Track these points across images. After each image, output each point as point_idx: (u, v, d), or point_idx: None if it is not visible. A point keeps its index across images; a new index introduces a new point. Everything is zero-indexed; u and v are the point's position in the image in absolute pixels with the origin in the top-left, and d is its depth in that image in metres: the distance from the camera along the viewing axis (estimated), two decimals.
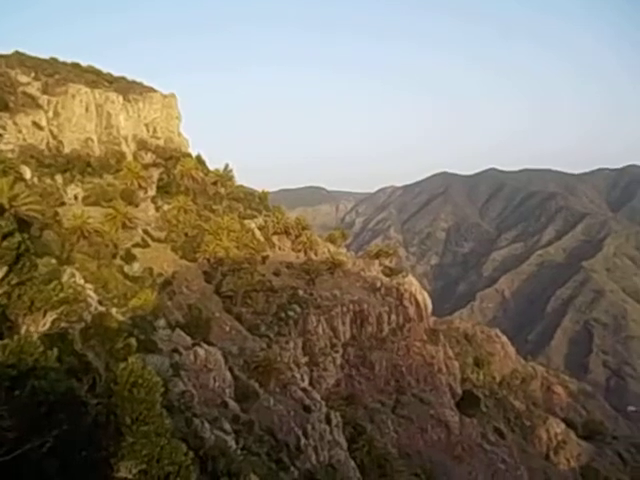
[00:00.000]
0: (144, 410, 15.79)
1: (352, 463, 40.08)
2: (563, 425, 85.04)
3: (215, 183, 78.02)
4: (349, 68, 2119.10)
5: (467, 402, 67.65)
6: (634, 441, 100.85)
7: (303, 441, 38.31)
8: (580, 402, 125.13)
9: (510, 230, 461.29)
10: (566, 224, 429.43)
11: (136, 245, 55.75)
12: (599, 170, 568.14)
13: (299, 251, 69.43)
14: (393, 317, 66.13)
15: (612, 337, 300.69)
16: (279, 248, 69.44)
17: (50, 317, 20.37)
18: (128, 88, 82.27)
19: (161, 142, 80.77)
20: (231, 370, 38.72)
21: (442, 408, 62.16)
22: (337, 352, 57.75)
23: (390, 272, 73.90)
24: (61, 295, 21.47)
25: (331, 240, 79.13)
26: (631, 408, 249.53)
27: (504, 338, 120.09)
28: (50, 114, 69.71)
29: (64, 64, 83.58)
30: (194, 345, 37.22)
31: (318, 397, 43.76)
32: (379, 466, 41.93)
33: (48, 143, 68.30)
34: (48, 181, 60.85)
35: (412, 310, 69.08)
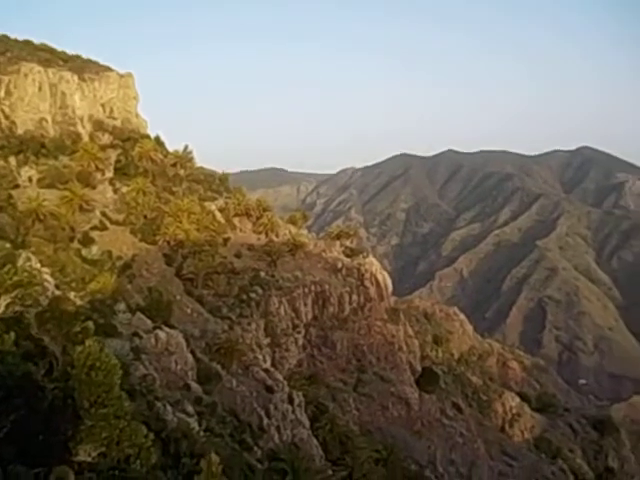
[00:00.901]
0: (102, 393, 15.70)
1: (315, 441, 40.65)
2: (518, 399, 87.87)
3: (174, 165, 76.82)
4: (312, 46, 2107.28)
5: (426, 379, 69.16)
6: (584, 412, 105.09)
7: (266, 421, 38.64)
8: (534, 376, 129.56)
9: (468, 210, 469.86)
10: (522, 204, 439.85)
11: (94, 228, 54.71)
12: (553, 152, 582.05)
13: (260, 233, 69.25)
14: (354, 297, 66.84)
15: (564, 313, 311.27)
16: (240, 230, 69.12)
17: (4, 301, 19.96)
18: (83, 67, 79.75)
19: (118, 123, 78.85)
20: (193, 353, 38.63)
21: (402, 385, 63.44)
22: (299, 333, 58.17)
23: (351, 253, 74.50)
24: (15, 279, 21.02)
25: (292, 222, 79.14)
26: (582, 381, 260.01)
27: (462, 316, 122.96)
28: (2, 93, 67.18)
29: (16, 42, 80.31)
30: (155, 328, 36.93)
31: (280, 377, 44.11)
32: (341, 443, 42.60)
33: (0, 124, 65.92)
34: (1, 163, 58.94)
35: (373, 290, 69.89)
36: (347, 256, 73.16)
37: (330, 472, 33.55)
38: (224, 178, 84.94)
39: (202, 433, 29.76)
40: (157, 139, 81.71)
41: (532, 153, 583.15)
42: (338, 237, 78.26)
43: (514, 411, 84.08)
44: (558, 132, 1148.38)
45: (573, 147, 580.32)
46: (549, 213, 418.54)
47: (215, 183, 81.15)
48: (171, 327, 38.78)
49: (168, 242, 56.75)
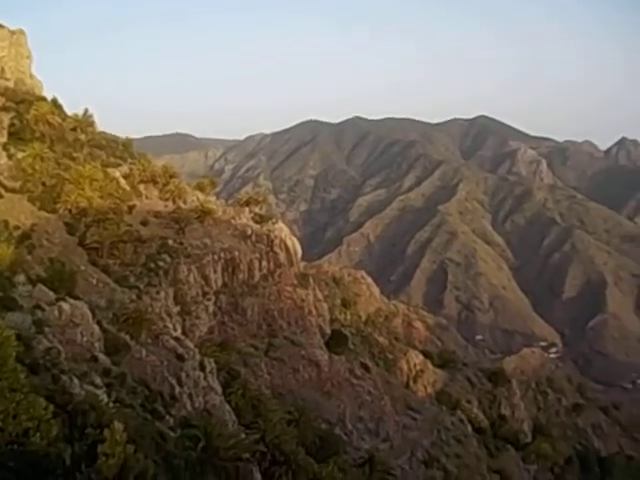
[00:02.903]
0: None
1: (227, 407, 41.03)
2: (421, 356, 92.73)
3: (74, 129, 72.52)
4: (222, 16, 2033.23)
5: (336, 341, 71.28)
6: (480, 366, 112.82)
7: (177, 389, 38.49)
8: (436, 334, 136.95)
9: (374, 177, 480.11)
10: (424, 171, 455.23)
11: None
12: (453, 120, 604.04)
13: (167, 200, 67.46)
14: (264, 263, 67.13)
15: (463, 274, 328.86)
16: (146, 197, 66.97)
17: None
18: None
19: (11, 84, 72.99)
20: (99, 324, 37.53)
21: (312, 348, 65.00)
22: (209, 300, 57.85)
23: (260, 219, 74.42)
24: None
25: (200, 188, 77.62)
26: (478, 337, 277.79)
27: (369, 279, 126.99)
28: None
29: None
30: (58, 300, 35.46)
31: (191, 345, 43.88)
32: (253, 407, 43.29)
33: None
34: None
35: (282, 256, 70.46)
36: (256, 222, 73.04)
37: (243, 436, 34.10)
38: (128, 143, 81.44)
39: (112, 404, 29.28)
40: (54, 102, 76.45)
41: (434, 121, 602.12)
42: (247, 203, 77.82)
43: (418, 368, 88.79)
44: (458, 101, 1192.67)
45: (472, 116, 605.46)
46: (450, 179, 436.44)
47: (118, 149, 77.63)
48: (75, 298, 37.35)
49: (70, 210, 54.05)
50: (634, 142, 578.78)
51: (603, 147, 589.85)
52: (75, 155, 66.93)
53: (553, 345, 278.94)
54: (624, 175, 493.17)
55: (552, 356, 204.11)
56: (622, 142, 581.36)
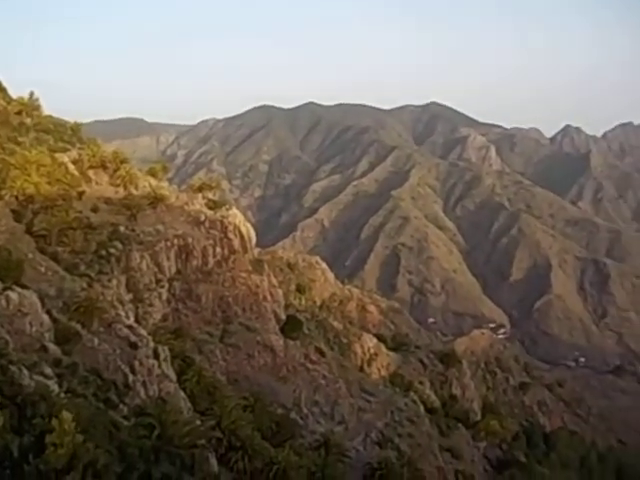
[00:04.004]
0: None
1: (182, 394, 40.82)
2: (375, 340, 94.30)
3: (19, 113, 69.90)
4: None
5: (291, 326, 71.58)
6: (432, 348, 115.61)
7: (131, 378, 38.06)
8: (389, 318, 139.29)
9: (328, 162, 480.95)
10: (378, 156, 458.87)
11: None
12: (406, 106, 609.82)
13: (118, 186, 65.93)
14: (218, 250, 66.63)
15: (416, 259, 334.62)
16: (96, 183, 65.30)
17: None
18: None
19: None
20: (49, 313, 36.62)
21: (268, 334, 65.17)
22: (163, 287, 57.16)
23: (214, 205, 73.67)
24: None
25: (152, 174, 76.11)
26: (431, 320, 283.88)
27: (324, 265, 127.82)
28: None
29: None
30: (5, 289, 34.37)
31: (145, 333, 43.32)
32: (209, 394, 43.22)
33: None
34: None
35: (236, 242, 70.06)
36: (210, 209, 72.29)
37: (198, 422, 34.09)
38: (76, 128, 78.93)
39: (62, 395, 28.81)
40: None
41: (386, 107, 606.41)
42: (200, 189, 76.84)
43: (372, 351, 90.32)
44: (410, 87, 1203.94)
45: (423, 102, 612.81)
46: (402, 165, 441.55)
47: (66, 133, 75.16)
48: (23, 287, 36.27)
49: (16, 197, 52.22)
50: (577, 130, 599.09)
51: (548, 134, 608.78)
52: (21, 140, 64.57)
53: (501, 326, 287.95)
54: (568, 161, 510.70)
55: (500, 337, 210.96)
56: (566, 129, 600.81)
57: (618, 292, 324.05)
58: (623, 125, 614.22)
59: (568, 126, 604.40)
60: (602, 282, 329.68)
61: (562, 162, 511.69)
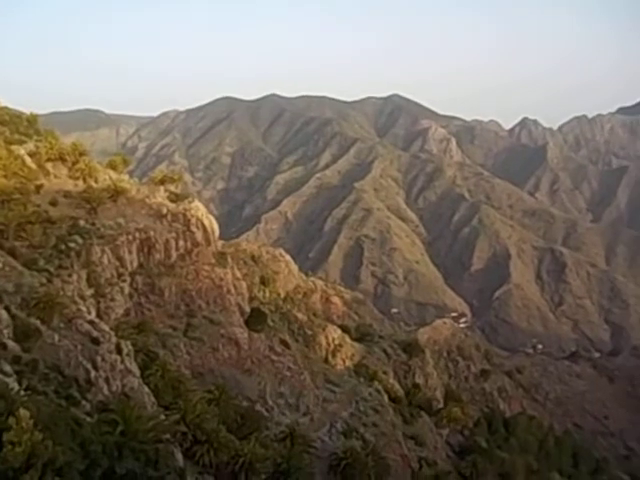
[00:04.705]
0: None
1: (146, 389, 40.44)
2: (339, 331, 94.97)
3: None
4: None
5: (255, 319, 71.46)
6: (396, 338, 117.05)
7: (93, 374, 37.51)
8: (353, 309, 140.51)
9: (291, 154, 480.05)
10: (340, 149, 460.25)
11: None
12: (368, 98, 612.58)
13: (77, 179, 64.40)
14: (181, 243, 65.91)
15: (379, 250, 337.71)
16: (55, 176, 63.64)
17: None
18: None
19: None
20: (7, 309, 35.71)
21: (232, 327, 64.92)
22: (124, 282, 56.25)
23: (176, 198, 72.71)
24: None
25: (112, 166, 74.56)
26: (394, 310, 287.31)
27: (287, 257, 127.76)
28: None
29: None
30: None
31: (107, 328, 42.65)
32: (173, 388, 42.92)
33: None
34: None
35: (199, 235, 69.41)
36: (172, 201, 71.31)
37: (162, 417, 33.91)
38: (33, 120, 76.63)
39: (22, 392, 28.25)
40: None
41: (349, 99, 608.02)
42: (162, 182, 75.67)
43: (336, 342, 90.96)
44: (372, 79, 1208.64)
45: (385, 95, 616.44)
46: (365, 157, 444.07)
47: (23, 125, 73.02)
48: None
49: None
50: (535, 122, 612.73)
51: (507, 126, 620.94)
52: None
53: (463, 315, 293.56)
54: (526, 153, 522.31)
55: (462, 326, 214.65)
56: (524, 122, 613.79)
57: (574, 281, 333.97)
58: (578, 118, 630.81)
59: (526, 119, 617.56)
60: (558, 271, 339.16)
61: (520, 154, 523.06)
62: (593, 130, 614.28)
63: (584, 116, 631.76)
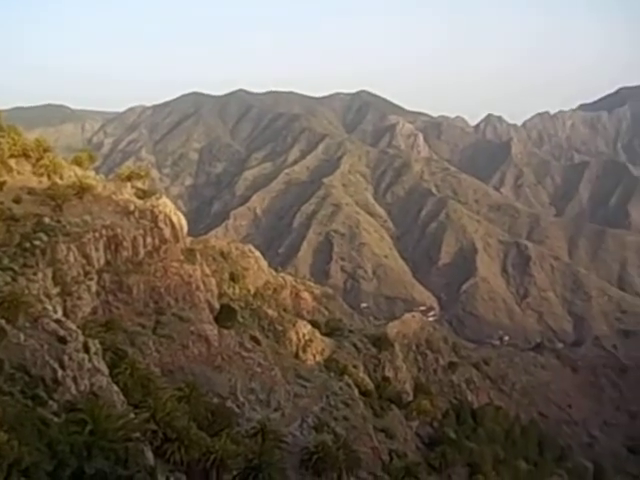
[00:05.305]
0: None
1: (115, 387, 40.05)
2: (309, 326, 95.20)
3: None
4: None
5: (225, 315, 71.20)
6: (366, 332, 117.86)
7: (60, 373, 36.99)
8: (323, 304, 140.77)
9: (260, 150, 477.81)
10: (309, 144, 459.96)
11: None
12: (336, 94, 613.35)
13: (42, 175, 63.02)
14: (149, 240, 65.22)
15: (348, 245, 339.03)
16: (18, 173, 62.14)
17: None
18: None
19: None
20: None
21: (201, 324, 64.61)
22: (91, 280, 55.45)
23: (143, 195, 71.80)
24: None
25: (78, 163, 73.09)
26: (363, 305, 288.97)
27: (257, 253, 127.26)
28: None
29: None
30: None
31: (74, 327, 42.04)
32: (143, 386, 42.60)
33: None
34: None
35: (168, 232, 68.78)
36: (139, 198, 70.41)
37: (132, 415, 33.71)
38: None
39: None
40: None
41: (317, 95, 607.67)
42: (129, 178, 74.56)
43: (306, 337, 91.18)
44: (340, 75, 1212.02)
45: (353, 90, 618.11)
46: (333, 152, 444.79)
47: None
48: None
49: None
50: (499, 118, 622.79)
51: (473, 122, 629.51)
52: None
53: (431, 309, 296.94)
54: (491, 149, 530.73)
55: (430, 319, 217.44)
56: (489, 118, 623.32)
57: (538, 274, 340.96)
58: (540, 115, 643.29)
59: (490, 115, 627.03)
60: (523, 264, 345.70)
61: (485, 149, 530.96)
62: (555, 126, 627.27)
63: (547, 112, 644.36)
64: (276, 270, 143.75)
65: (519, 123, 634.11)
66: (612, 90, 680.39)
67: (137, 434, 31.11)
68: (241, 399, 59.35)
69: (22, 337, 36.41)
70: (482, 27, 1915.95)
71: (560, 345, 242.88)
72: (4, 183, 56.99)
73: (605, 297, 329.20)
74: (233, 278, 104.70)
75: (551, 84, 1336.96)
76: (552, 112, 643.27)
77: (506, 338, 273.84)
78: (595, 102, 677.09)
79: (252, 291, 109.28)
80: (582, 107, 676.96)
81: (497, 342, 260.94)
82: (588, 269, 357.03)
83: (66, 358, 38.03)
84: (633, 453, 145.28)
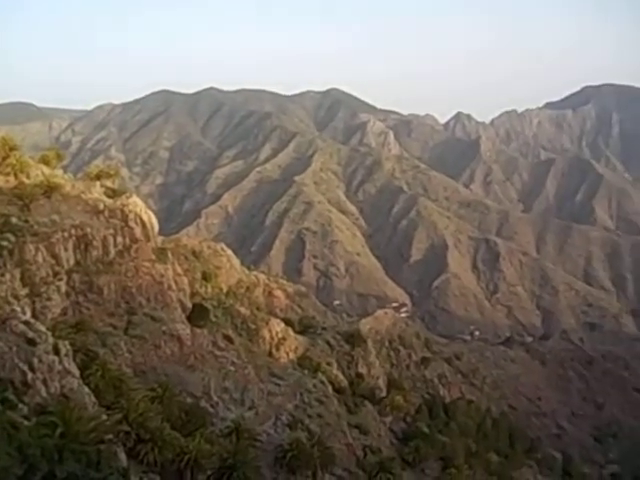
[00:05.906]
0: None
1: (86, 389, 39.51)
2: (283, 324, 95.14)
3: None
4: None
5: (197, 314, 70.64)
6: (339, 329, 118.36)
7: (30, 375, 36.35)
8: (296, 302, 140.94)
9: (231, 148, 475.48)
10: (280, 142, 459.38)
11: None
12: (307, 92, 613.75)
13: (8, 175, 61.55)
14: (119, 239, 64.33)
15: (320, 243, 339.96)
16: None
17: None
18: None
19: None
20: None
21: (174, 323, 64.02)
22: (61, 280, 54.46)
23: (113, 194, 70.75)
24: None
25: (45, 161, 71.59)
26: (336, 302, 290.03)
27: (229, 251, 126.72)
28: None
29: None
30: None
31: (43, 328, 41.30)
32: (114, 387, 42.10)
33: None
34: None
35: (138, 231, 67.91)
36: (109, 197, 69.37)
37: (104, 417, 33.32)
38: None
39: None
40: None
41: (288, 93, 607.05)
42: (98, 177, 73.37)
43: (280, 336, 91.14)
44: (311, 73, 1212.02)
45: (324, 88, 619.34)
46: (305, 150, 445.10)
47: None
48: None
49: None
50: (468, 116, 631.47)
51: (442, 120, 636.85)
52: None
53: (403, 305, 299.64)
54: (460, 147, 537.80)
55: (403, 315, 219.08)
56: (458, 116, 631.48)
57: (507, 269, 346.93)
58: (508, 113, 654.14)
59: (460, 113, 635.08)
60: (493, 260, 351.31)
61: (455, 147, 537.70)
62: (522, 124, 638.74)
63: (514, 111, 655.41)
64: (249, 268, 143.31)
65: (487, 121, 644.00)
66: (577, 89, 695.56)
67: (109, 436, 30.80)
68: (215, 398, 59.05)
69: None
70: (448, 26, 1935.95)
71: (529, 339, 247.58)
72: None
73: (572, 291, 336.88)
74: (205, 277, 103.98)
75: (517, 81, 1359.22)
76: (519, 110, 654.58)
77: (477, 333, 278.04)
78: (561, 100, 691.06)
79: (225, 290, 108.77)
80: (548, 105, 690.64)
81: (468, 337, 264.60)
82: (555, 264, 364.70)
83: (36, 360, 37.41)
84: (599, 442, 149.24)
